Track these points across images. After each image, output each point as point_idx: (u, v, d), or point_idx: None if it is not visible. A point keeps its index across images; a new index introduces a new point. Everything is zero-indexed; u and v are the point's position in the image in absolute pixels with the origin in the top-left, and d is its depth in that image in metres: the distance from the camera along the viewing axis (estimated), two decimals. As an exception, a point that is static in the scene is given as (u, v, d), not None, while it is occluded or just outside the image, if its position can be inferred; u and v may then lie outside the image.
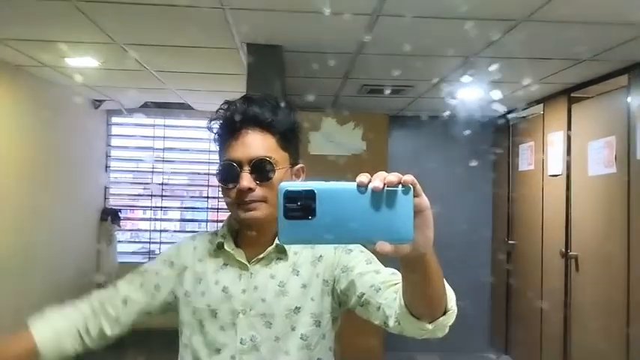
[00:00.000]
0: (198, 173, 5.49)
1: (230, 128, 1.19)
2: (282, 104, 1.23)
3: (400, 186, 0.72)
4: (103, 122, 5.27)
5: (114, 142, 5.41)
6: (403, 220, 0.72)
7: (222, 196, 1.24)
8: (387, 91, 4.03)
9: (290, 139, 1.23)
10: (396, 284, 1.05)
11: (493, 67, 3.27)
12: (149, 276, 1.28)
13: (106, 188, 5.31)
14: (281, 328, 1.18)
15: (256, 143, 1.17)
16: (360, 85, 3.91)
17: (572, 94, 3.78)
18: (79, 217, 4.81)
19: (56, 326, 1.20)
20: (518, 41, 2.76)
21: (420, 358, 4.81)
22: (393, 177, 0.72)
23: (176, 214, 5.62)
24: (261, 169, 1.16)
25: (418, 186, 0.74)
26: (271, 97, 1.24)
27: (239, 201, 1.17)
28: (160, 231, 5.41)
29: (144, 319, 1.27)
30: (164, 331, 1.31)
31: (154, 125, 5.36)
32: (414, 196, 0.73)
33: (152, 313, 1.28)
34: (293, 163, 1.24)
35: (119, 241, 5.29)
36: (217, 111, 1.23)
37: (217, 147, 1.23)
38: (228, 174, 1.17)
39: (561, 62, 3.17)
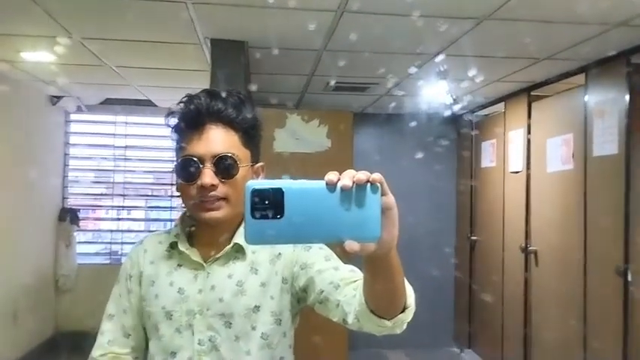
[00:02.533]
0: (162, 171, 5.38)
1: (192, 123, 1.15)
2: (246, 101, 1.21)
3: (368, 184, 0.72)
4: (61, 119, 5.10)
5: (73, 139, 5.24)
6: (371, 218, 0.72)
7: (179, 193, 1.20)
8: (352, 89, 4.05)
9: (252, 136, 1.21)
10: (355, 281, 1.05)
11: (456, 66, 3.32)
12: (121, 300, 1.26)
13: (64, 187, 5.14)
14: (241, 327, 1.16)
15: (219, 139, 1.15)
16: (325, 83, 3.90)
17: (531, 93, 3.88)
18: (36, 217, 4.65)
19: None
20: (480, 40, 2.81)
21: (385, 355, 4.86)
22: (362, 175, 0.72)
23: (140, 214, 5.50)
24: (225, 165, 1.13)
25: (385, 184, 0.74)
26: (234, 93, 1.20)
27: (200, 199, 1.14)
28: (123, 231, 5.28)
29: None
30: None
31: (115, 122, 5.22)
32: (381, 195, 0.73)
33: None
34: (254, 161, 1.22)
35: (80, 242, 5.13)
36: (178, 104, 1.19)
37: (175, 142, 1.20)
38: (189, 170, 1.13)
39: (521, 61, 3.24)
